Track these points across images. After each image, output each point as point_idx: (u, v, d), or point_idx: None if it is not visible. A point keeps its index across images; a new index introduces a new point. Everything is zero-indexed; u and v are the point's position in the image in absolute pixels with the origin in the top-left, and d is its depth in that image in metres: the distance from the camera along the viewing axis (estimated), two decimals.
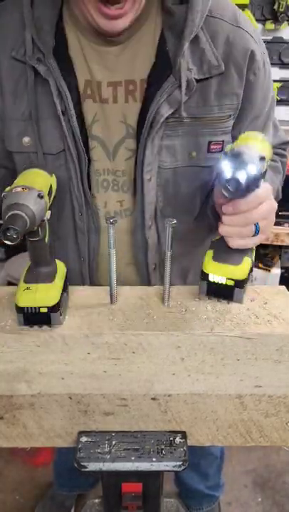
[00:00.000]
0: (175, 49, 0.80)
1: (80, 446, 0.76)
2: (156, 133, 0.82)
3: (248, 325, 0.72)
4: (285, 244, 2.11)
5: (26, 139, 0.87)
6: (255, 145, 0.67)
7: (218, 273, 0.70)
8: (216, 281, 0.70)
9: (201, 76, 0.80)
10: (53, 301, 0.69)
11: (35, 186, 0.64)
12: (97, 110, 0.86)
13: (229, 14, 0.83)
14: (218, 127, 0.85)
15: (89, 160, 0.88)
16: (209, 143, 0.86)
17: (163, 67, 0.81)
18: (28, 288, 0.70)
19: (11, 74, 0.84)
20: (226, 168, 0.63)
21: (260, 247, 2.26)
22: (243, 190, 0.64)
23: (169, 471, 0.75)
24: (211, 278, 0.70)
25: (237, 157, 0.64)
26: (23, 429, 0.79)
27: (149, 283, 0.98)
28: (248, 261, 0.72)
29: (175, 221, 0.68)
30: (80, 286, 0.81)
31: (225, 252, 0.71)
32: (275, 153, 1.02)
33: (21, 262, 2.50)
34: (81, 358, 0.72)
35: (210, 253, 0.73)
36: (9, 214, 0.60)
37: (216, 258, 0.71)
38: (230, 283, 0.70)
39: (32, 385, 0.74)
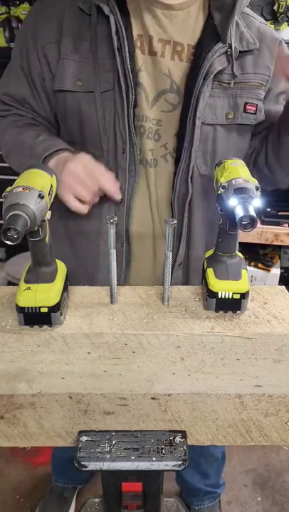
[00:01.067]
0: (222, 23, 0.98)
1: (80, 445, 0.77)
2: (206, 86, 0.97)
3: (248, 325, 0.73)
4: (284, 244, 2.11)
5: (80, 78, 0.97)
6: (248, 174, 0.71)
7: (226, 289, 0.74)
8: (224, 297, 0.74)
9: (241, 48, 0.99)
10: (53, 301, 0.70)
11: (35, 186, 0.64)
12: (143, 61, 0.99)
13: (259, 17, 1.07)
14: (253, 92, 1.02)
15: (134, 102, 0.98)
16: (245, 104, 1.02)
17: (211, 36, 0.98)
18: (28, 288, 0.70)
19: (75, 19, 0.98)
20: (234, 204, 0.66)
21: (260, 247, 2.27)
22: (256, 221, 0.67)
23: (169, 470, 0.76)
24: (220, 295, 0.74)
25: (241, 192, 0.67)
26: (24, 429, 0.79)
27: (180, 235, 1.06)
28: (245, 273, 0.76)
29: (175, 221, 0.69)
30: (80, 286, 0.82)
31: (224, 269, 0.76)
32: None
33: (21, 262, 2.50)
34: (81, 357, 0.72)
35: (211, 271, 0.76)
36: (10, 214, 0.60)
37: (218, 276, 0.75)
38: (237, 296, 0.74)
39: (32, 384, 0.74)
